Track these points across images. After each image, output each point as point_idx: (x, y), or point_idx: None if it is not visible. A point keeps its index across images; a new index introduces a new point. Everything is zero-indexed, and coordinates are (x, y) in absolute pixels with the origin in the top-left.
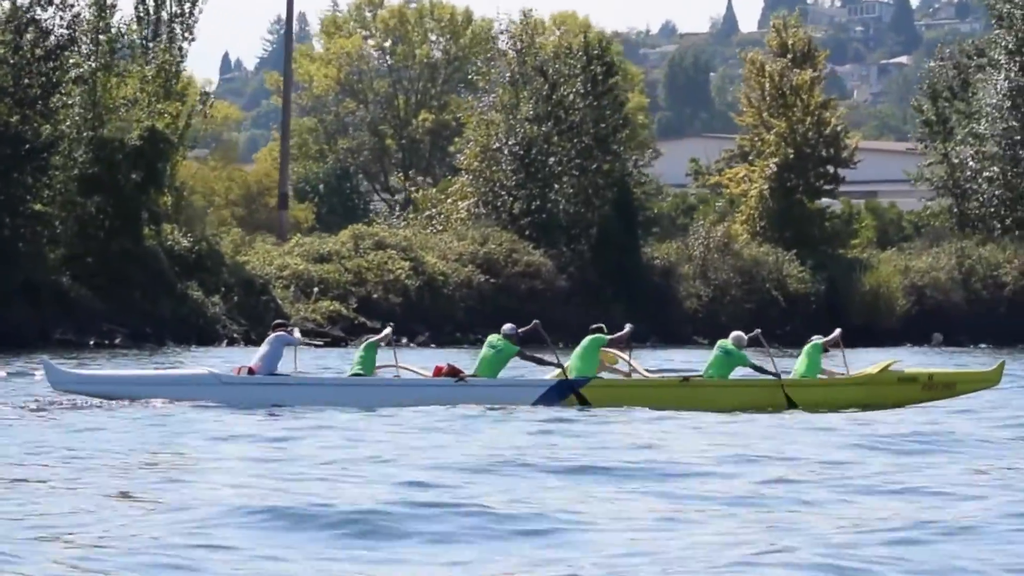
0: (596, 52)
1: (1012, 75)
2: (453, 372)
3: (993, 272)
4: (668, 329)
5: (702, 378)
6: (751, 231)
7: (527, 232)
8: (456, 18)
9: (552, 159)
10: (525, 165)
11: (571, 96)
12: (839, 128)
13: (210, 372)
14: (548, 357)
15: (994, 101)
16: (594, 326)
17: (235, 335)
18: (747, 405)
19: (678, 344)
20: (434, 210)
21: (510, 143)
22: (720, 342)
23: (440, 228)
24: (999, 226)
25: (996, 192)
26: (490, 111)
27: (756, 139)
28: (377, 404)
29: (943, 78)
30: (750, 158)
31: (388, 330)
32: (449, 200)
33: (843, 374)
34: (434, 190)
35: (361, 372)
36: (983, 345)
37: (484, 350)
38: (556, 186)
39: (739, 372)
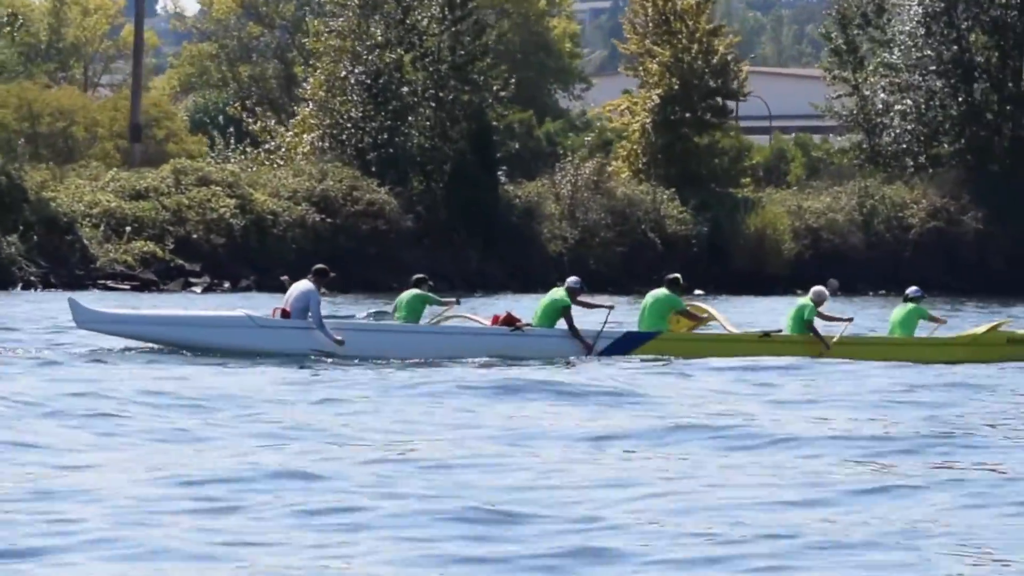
0: None
1: (926, 1)
2: (510, 321)
3: (898, 213)
4: (529, 274)
5: (783, 333)
6: (632, 168)
7: (374, 168)
8: None
9: (405, 89)
10: (374, 95)
11: (425, 21)
12: (729, 57)
13: (245, 314)
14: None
15: (908, 28)
16: (670, 276)
17: (32, 278)
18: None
19: (541, 290)
20: (273, 143)
21: (356, 71)
22: (800, 299)
23: (281, 164)
24: (912, 164)
25: (909, 127)
26: (338, 37)
27: (640, 69)
28: (432, 354)
29: (855, 3)
30: (634, 89)
31: (458, 307)
32: (291, 133)
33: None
34: (273, 122)
35: (407, 319)
36: (883, 292)
37: (544, 300)
38: (410, 118)
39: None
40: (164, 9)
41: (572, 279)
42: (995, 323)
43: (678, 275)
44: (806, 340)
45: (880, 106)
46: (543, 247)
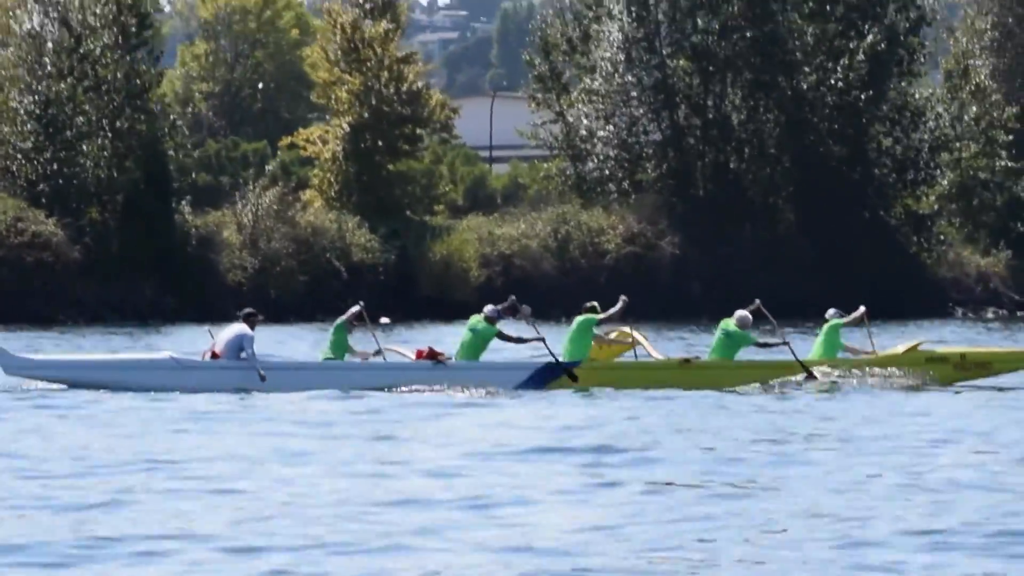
0: (128, 2)
1: (627, 27)
2: (433, 355)
3: (595, 240)
4: (208, 304)
5: (703, 360)
6: (326, 197)
7: (43, 200)
8: None
9: (80, 119)
10: (44, 125)
11: (97, 50)
12: (419, 84)
13: (170, 356)
14: (529, 335)
15: (608, 55)
16: (587, 305)
17: None
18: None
19: (221, 320)
20: None
21: (25, 101)
22: (723, 322)
23: None
24: (615, 190)
25: (612, 153)
26: (8, 66)
27: (332, 97)
28: (356, 387)
29: (558, 30)
30: (314, 117)
31: (356, 308)
32: None
33: (870, 353)
34: None
35: (332, 356)
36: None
37: (464, 333)
38: (84, 148)
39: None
40: None
41: (488, 308)
42: (914, 343)
43: (595, 303)
44: (726, 365)
45: (584, 132)
46: (222, 276)
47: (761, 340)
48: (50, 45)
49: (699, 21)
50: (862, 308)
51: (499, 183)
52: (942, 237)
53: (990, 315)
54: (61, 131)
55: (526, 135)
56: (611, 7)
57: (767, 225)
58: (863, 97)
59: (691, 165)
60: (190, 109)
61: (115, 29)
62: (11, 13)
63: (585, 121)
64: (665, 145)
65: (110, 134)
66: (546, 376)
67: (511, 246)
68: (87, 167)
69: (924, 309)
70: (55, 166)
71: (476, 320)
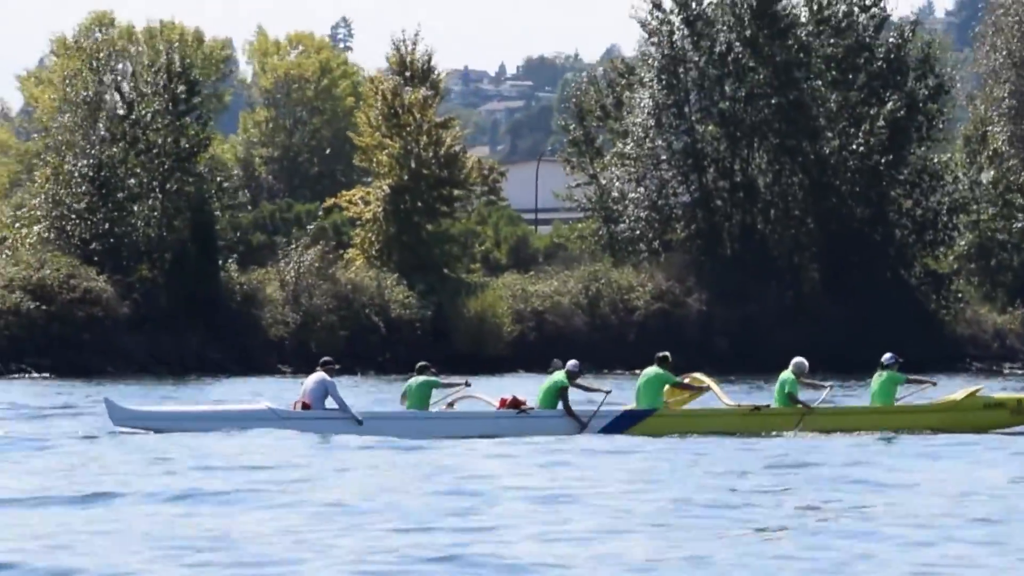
0: (179, 71)
1: (657, 94)
2: (516, 404)
3: (624, 297)
4: (251, 357)
5: (772, 407)
6: (367, 255)
7: (95, 259)
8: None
9: (132, 180)
10: (98, 187)
11: (148, 116)
12: (456, 148)
13: (268, 407)
14: (596, 387)
15: (639, 120)
16: (659, 355)
17: None
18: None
19: (264, 373)
20: None
21: (80, 164)
22: (782, 374)
23: (8, 256)
24: (645, 249)
25: (643, 214)
26: (65, 131)
27: (373, 161)
28: (444, 435)
29: (592, 97)
30: (368, 180)
31: (468, 388)
32: (17, 224)
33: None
34: None
35: (415, 407)
36: (605, 371)
37: (545, 383)
38: (136, 208)
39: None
40: None
41: (572, 362)
42: (972, 389)
43: (667, 353)
44: (792, 411)
45: (616, 194)
46: (264, 331)
47: (808, 381)
48: (104, 112)
49: (727, 89)
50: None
51: (541, 243)
52: (960, 295)
53: (1006, 370)
54: (113, 193)
55: (562, 196)
56: (643, 75)
57: (792, 283)
58: (883, 161)
59: (719, 226)
60: (248, 171)
61: (165, 96)
62: (68, 82)
63: (617, 183)
64: (694, 207)
65: (160, 195)
66: (624, 423)
67: (544, 303)
68: (138, 227)
69: (942, 364)
70: (107, 226)
71: (557, 373)
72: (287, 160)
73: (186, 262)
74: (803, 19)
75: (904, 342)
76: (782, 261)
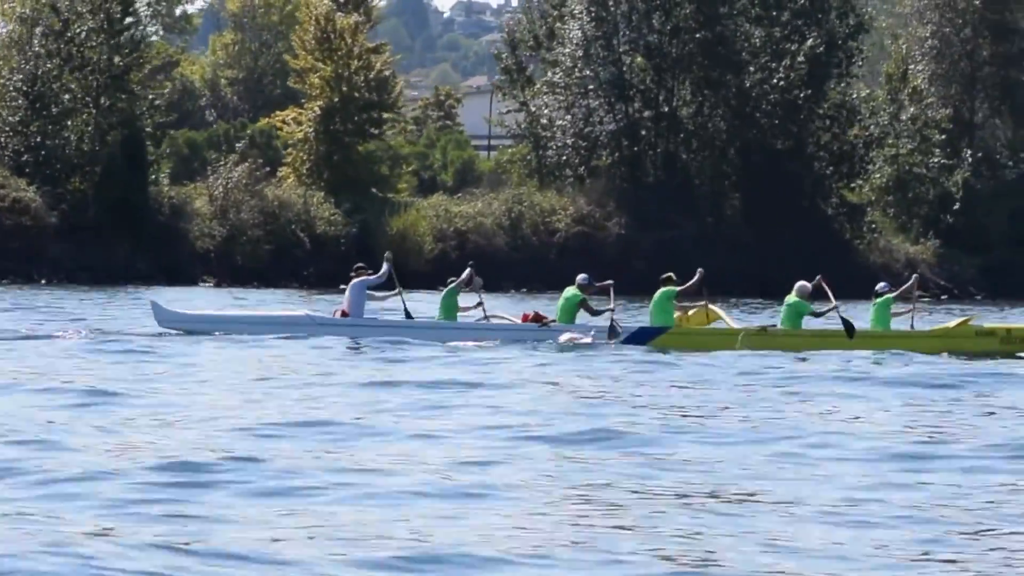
0: None
1: (586, 26)
2: (538, 318)
3: (546, 219)
4: (176, 268)
5: (778, 327)
6: (298, 175)
7: (27, 170)
8: None
9: (66, 96)
10: (31, 101)
11: (83, 33)
12: (386, 73)
13: (307, 314)
14: (604, 307)
15: (568, 51)
16: (664, 276)
17: None
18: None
19: (189, 284)
20: None
21: (15, 79)
22: (787, 297)
23: None
24: (571, 175)
25: (570, 141)
26: (2, 48)
27: (306, 83)
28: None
29: (524, 27)
30: (302, 101)
31: (468, 272)
32: None
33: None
34: None
35: (444, 319)
36: (524, 289)
37: (560, 300)
38: (69, 123)
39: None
40: None
41: (581, 276)
42: (964, 318)
43: (671, 274)
44: (798, 333)
45: (545, 121)
46: (191, 243)
47: (817, 310)
48: (40, 28)
49: (654, 22)
50: (915, 276)
51: (487, 167)
52: (874, 225)
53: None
54: (47, 107)
55: (493, 122)
56: (573, 7)
57: (712, 211)
58: (803, 96)
59: (642, 154)
60: (215, 92)
61: (100, 15)
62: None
63: (546, 111)
64: (619, 135)
65: (93, 110)
66: (641, 338)
67: (467, 223)
68: (71, 141)
69: (854, 291)
70: (40, 139)
71: (569, 289)
72: (252, 82)
73: (116, 175)
74: None
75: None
76: (703, 189)
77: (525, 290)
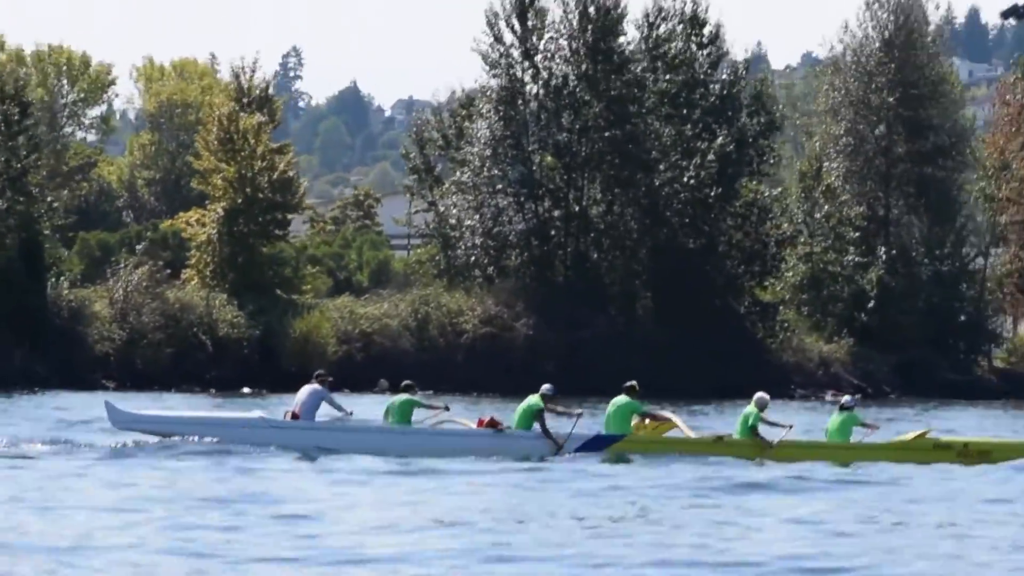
0: (11, 92)
1: (494, 125)
2: (493, 424)
3: (454, 320)
4: (75, 373)
5: (734, 437)
6: (202, 276)
7: None
8: None
9: None
10: None
11: None
12: (289, 173)
13: (261, 416)
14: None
15: (476, 150)
16: (627, 384)
17: None
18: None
19: (87, 388)
20: None
21: None
22: (746, 408)
23: None
24: (480, 275)
25: (478, 241)
26: None
27: (209, 184)
28: (421, 454)
29: (433, 127)
30: (206, 202)
31: (447, 413)
32: None
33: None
34: None
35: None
36: (430, 392)
37: (522, 405)
38: None
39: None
40: None
41: (546, 386)
42: (921, 431)
43: (634, 383)
44: (753, 443)
45: (453, 221)
46: (91, 347)
47: (770, 420)
48: None
49: (563, 121)
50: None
51: (401, 267)
52: (786, 324)
53: (828, 397)
54: None
55: (401, 222)
56: (481, 107)
57: (623, 311)
58: (714, 194)
59: (552, 253)
60: (132, 192)
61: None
62: None
63: (455, 211)
64: (528, 235)
65: None
66: (596, 445)
67: (372, 324)
68: None
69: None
70: None
71: (531, 396)
72: (169, 183)
73: (13, 278)
74: (639, 55)
75: (730, 369)
76: (614, 288)
77: (432, 392)
